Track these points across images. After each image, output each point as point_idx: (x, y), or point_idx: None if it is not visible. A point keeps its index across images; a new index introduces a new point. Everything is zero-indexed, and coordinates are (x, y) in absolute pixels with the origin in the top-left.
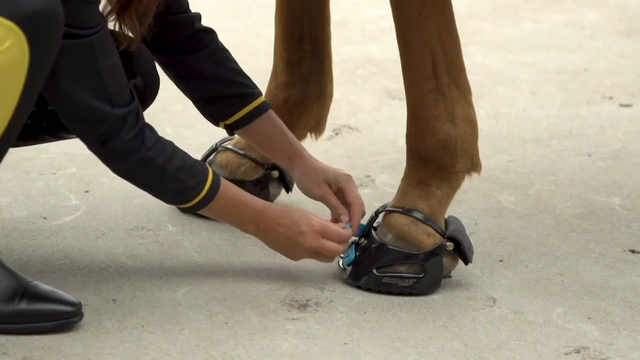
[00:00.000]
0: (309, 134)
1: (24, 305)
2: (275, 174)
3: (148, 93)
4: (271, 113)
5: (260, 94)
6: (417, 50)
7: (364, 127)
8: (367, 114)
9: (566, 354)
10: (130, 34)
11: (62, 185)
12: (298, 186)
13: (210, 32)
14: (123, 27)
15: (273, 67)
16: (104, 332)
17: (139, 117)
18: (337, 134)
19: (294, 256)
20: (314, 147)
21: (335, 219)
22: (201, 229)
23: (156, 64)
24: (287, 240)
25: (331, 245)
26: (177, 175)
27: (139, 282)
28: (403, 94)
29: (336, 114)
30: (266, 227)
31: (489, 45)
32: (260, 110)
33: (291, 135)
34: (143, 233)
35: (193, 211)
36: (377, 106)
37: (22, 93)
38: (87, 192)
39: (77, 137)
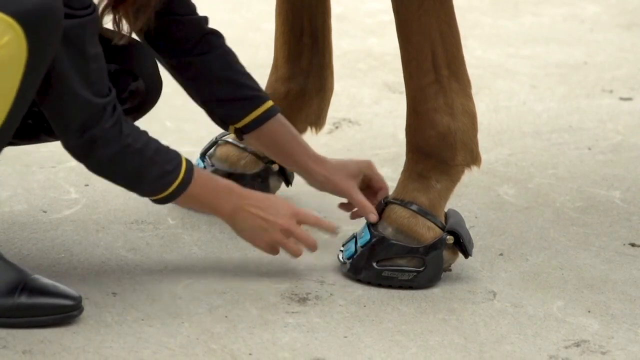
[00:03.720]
0: (309, 128)
1: (24, 299)
2: (275, 167)
3: (150, 95)
4: (281, 117)
5: (268, 98)
6: (417, 43)
7: (364, 121)
8: (367, 108)
9: (566, 347)
10: (125, 29)
11: (62, 179)
12: (319, 187)
13: (218, 35)
14: (118, 21)
15: (273, 61)
16: (104, 325)
17: (116, 107)
18: (337, 127)
19: (264, 238)
20: (314, 140)
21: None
22: (201, 222)
23: (161, 66)
24: (261, 220)
25: (304, 232)
26: (155, 159)
27: (139, 276)
28: (403, 88)
29: (336, 107)
30: (242, 207)
31: (489, 38)
32: (271, 113)
33: (303, 139)
34: (143, 227)
35: (172, 199)
36: (377, 100)
37: (20, 88)
38: (87, 185)
39: (55, 129)
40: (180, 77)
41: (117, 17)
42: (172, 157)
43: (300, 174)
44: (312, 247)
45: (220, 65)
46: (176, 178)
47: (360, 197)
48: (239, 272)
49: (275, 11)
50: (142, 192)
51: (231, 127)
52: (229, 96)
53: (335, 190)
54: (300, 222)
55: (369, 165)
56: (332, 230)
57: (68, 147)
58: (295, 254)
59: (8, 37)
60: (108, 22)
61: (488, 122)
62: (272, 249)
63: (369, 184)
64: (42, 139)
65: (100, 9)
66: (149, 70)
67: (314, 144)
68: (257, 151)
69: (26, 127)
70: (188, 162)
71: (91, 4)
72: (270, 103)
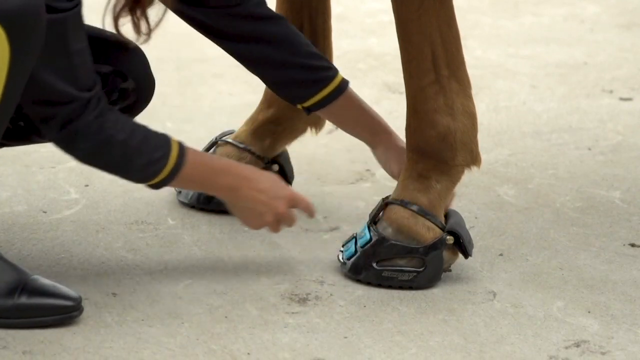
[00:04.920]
0: (309, 128)
1: (24, 300)
2: (275, 167)
3: (141, 96)
4: (349, 93)
5: (335, 74)
6: (416, 43)
7: None
8: None
9: (566, 347)
10: (142, 30)
11: (62, 179)
12: (380, 164)
13: (277, 19)
14: (137, 22)
15: None
16: (104, 325)
17: (101, 99)
18: (337, 127)
19: (258, 221)
20: (314, 141)
21: None
22: (201, 222)
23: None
24: (261, 205)
25: (294, 217)
26: (142, 148)
27: (139, 276)
28: (403, 88)
29: None
30: (241, 187)
31: (489, 38)
32: (336, 93)
33: (373, 112)
34: (143, 227)
35: (164, 184)
36: (377, 100)
37: (4, 89)
38: (87, 186)
39: (37, 123)
40: (241, 59)
41: (134, 19)
42: (161, 144)
43: (369, 146)
44: (291, 226)
45: (282, 50)
46: (165, 165)
47: None
48: (239, 272)
49: (275, 11)
50: (132, 180)
51: (298, 107)
52: (291, 80)
53: (386, 171)
54: (293, 206)
55: None
56: (312, 216)
57: (52, 139)
58: (275, 232)
59: None
60: (126, 24)
61: (488, 122)
62: (259, 228)
63: None
64: (33, 139)
65: (117, 11)
66: (140, 70)
67: (314, 144)
68: (258, 152)
69: (18, 129)
70: (181, 147)
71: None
72: (336, 82)
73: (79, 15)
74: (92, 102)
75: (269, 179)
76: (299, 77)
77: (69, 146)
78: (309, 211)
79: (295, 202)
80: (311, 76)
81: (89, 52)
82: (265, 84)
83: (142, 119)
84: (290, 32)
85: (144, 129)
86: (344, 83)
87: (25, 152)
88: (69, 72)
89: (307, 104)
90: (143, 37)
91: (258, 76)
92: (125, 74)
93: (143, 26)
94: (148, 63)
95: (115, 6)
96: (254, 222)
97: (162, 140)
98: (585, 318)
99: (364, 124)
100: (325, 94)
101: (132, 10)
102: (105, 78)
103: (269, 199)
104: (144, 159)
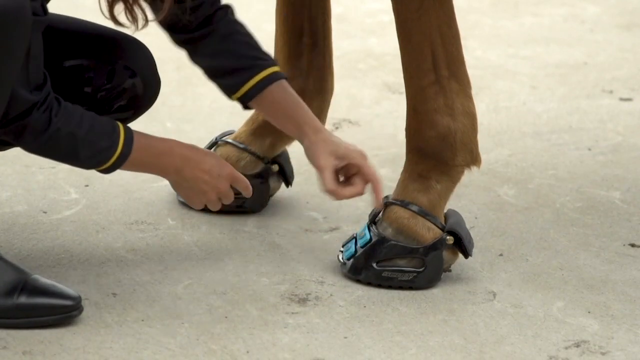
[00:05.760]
0: None
1: (23, 299)
2: (275, 168)
3: (148, 94)
4: (283, 83)
5: (271, 65)
6: (416, 44)
7: (364, 121)
8: (367, 108)
9: (566, 347)
10: (140, 18)
11: (62, 179)
12: (306, 156)
13: (222, 9)
14: (130, 9)
15: None
16: (104, 326)
17: (49, 93)
18: (337, 128)
19: (201, 199)
20: None
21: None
22: (201, 223)
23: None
24: (203, 184)
25: (232, 193)
26: (90, 137)
27: (138, 276)
28: (403, 88)
29: (336, 108)
30: (185, 168)
31: (489, 38)
32: (268, 81)
33: (305, 107)
34: (143, 227)
35: (113, 170)
36: (377, 100)
37: None
38: (87, 186)
39: None
40: (186, 50)
41: (127, 6)
42: (108, 132)
43: (298, 140)
44: (228, 202)
45: (219, 38)
46: (114, 152)
47: (328, 175)
48: (239, 272)
49: (275, 12)
50: (82, 167)
51: (233, 97)
52: (226, 68)
53: (312, 162)
54: (233, 184)
55: (361, 155)
56: (248, 195)
57: (1, 133)
58: (214, 209)
59: None
60: (120, 12)
61: (488, 122)
62: (201, 206)
63: (360, 173)
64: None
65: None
66: (147, 69)
67: None
68: (258, 152)
69: None
70: (127, 132)
71: (43, 6)
72: (270, 70)
73: (44, 22)
74: (41, 100)
75: (211, 158)
76: (228, 65)
77: (18, 139)
78: (247, 191)
79: (235, 180)
80: (240, 64)
81: (42, 55)
82: (205, 72)
83: (142, 119)
84: (230, 20)
85: (91, 117)
86: (275, 75)
87: (25, 152)
88: (23, 75)
89: (238, 94)
90: (141, 24)
91: (199, 65)
92: (134, 71)
93: (138, 13)
94: (155, 62)
95: None
96: (197, 200)
97: (110, 128)
98: (585, 318)
99: (292, 118)
100: (253, 84)
101: (125, 2)
102: (111, 73)
103: (212, 178)
104: (93, 147)
